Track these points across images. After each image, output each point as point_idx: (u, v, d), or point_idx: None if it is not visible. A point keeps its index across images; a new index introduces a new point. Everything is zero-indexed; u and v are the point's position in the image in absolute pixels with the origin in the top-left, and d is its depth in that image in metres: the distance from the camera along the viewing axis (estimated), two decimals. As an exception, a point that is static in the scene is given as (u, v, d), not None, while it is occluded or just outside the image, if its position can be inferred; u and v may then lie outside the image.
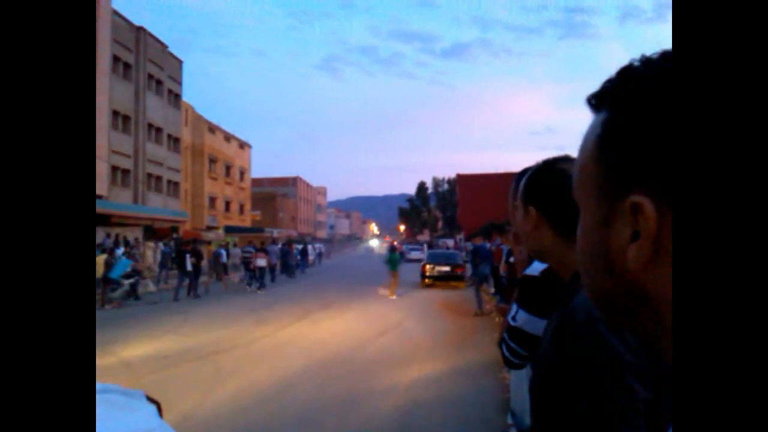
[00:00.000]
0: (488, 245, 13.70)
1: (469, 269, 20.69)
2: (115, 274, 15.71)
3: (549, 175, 1.26)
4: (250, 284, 20.41)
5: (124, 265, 16.07)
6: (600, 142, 0.50)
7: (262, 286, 20.14)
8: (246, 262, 20.95)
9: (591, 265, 0.53)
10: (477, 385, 6.82)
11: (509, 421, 5.23)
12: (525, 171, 1.37)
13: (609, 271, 0.50)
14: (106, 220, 24.50)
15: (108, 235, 20.93)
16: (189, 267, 18.00)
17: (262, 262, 20.37)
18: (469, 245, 24.71)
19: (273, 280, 23.29)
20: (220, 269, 20.97)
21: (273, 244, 26.13)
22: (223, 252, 21.38)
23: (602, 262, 0.51)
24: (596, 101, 0.52)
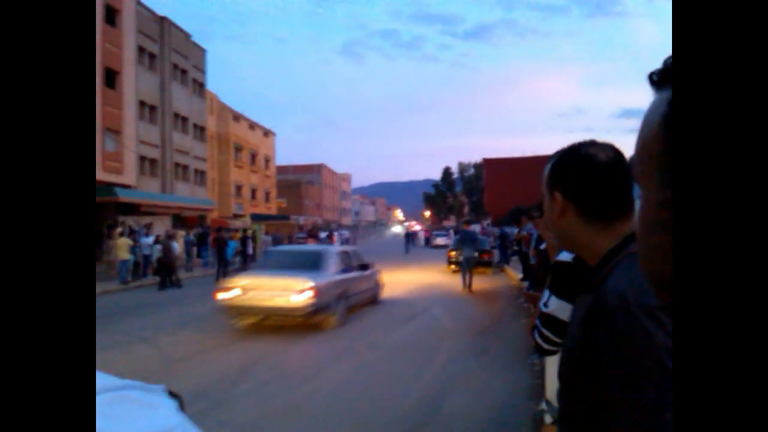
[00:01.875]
0: (516, 230, 13.57)
1: (497, 255, 20.43)
2: (229, 254, 19.20)
3: (574, 159, 1.23)
4: None
5: (233, 247, 19.56)
6: (666, 121, 0.48)
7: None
8: None
9: (648, 248, 0.53)
10: (506, 371, 6.69)
11: (544, 407, 5.10)
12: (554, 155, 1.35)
13: (667, 255, 0.48)
14: (135, 209, 24.88)
15: (146, 226, 21.09)
16: (232, 254, 20.00)
17: None
18: (496, 230, 24.42)
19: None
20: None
21: (300, 232, 26.82)
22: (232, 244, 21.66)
23: (661, 245, 0.50)
24: (660, 78, 0.50)
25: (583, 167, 1.18)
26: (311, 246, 15.77)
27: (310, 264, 10.11)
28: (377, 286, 12.70)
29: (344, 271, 10.66)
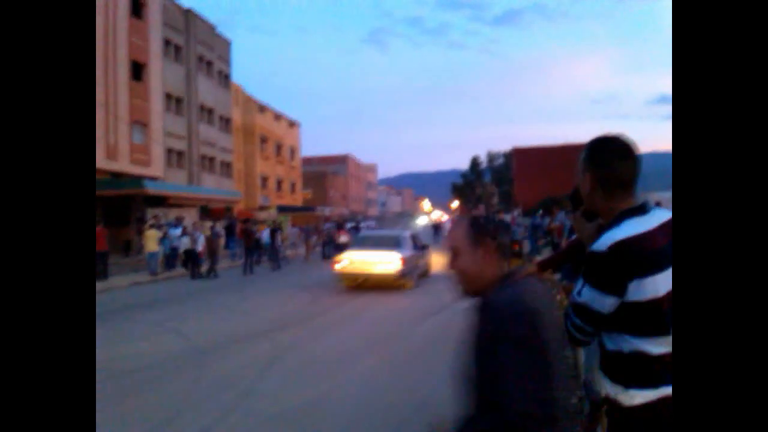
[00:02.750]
0: (547, 220, 13.15)
1: (527, 245, 19.94)
2: (267, 243, 20.80)
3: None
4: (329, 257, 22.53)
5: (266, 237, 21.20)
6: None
7: (326, 256, 22.96)
8: (330, 238, 24.41)
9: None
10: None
11: (581, 393, 4.72)
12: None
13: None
14: (163, 201, 25.04)
15: (177, 219, 21.19)
16: (276, 243, 20.74)
17: (344, 238, 22.99)
18: (527, 221, 23.88)
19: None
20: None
21: (327, 223, 27.12)
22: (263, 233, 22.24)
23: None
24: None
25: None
26: (392, 230, 19.58)
27: (393, 243, 13.62)
28: (428, 263, 15.69)
29: (414, 248, 14.05)
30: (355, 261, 13.23)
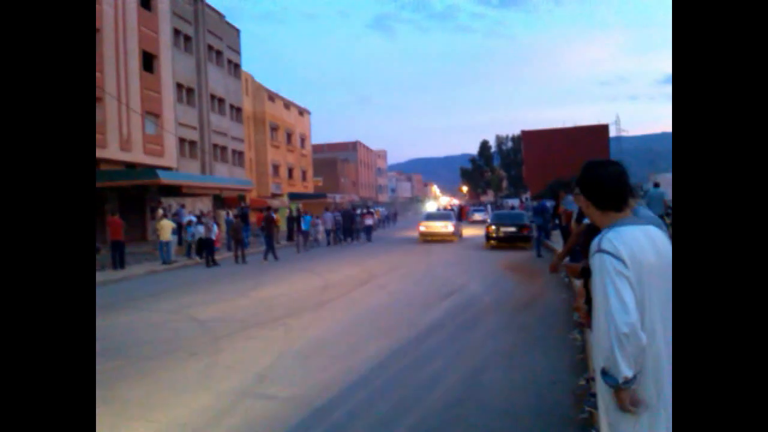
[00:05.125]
0: (553, 204, 13.21)
1: (535, 229, 20.05)
2: (306, 227, 23.34)
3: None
4: (349, 239, 27.80)
5: (308, 221, 23.68)
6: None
7: (369, 239, 27.68)
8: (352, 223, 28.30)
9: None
10: (546, 346, 6.57)
11: (583, 382, 4.98)
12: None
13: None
14: (177, 190, 25.43)
15: (182, 206, 21.79)
16: (305, 228, 23.10)
17: (369, 221, 28.68)
18: (535, 204, 23.97)
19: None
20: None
21: (335, 211, 28.67)
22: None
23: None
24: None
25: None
26: (444, 211, 34.07)
27: (447, 217, 26.41)
28: (461, 229, 27.75)
29: (455, 220, 26.72)
30: (429, 226, 24.98)
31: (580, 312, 3.18)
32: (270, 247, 19.18)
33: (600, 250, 2.03)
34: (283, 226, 26.77)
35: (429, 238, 24.61)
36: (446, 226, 24.55)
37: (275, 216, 21.46)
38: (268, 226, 19.48)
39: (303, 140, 51.16)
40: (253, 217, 28.64)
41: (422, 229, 24.84)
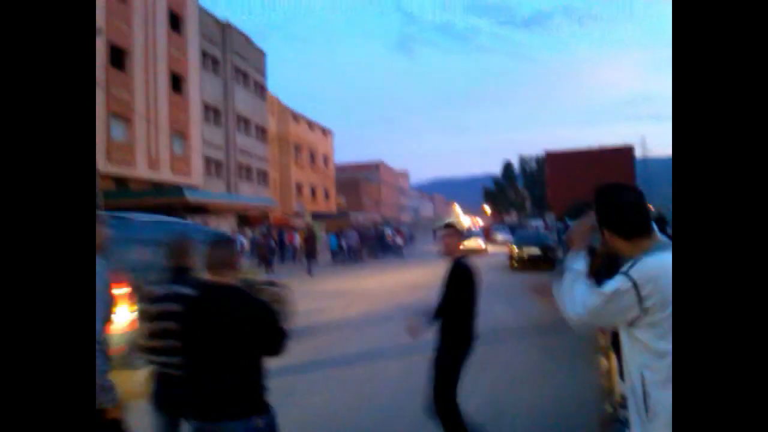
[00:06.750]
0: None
1: (560, 251, 19.81)
2: (333, 246, 28.16)
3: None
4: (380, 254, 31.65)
5: (333, 242, 28.27)
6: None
7: (402, 256, 30.90)
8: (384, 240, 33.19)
9: None
10: (571, 368, 6.43)
11: (609, 408, 4.84)
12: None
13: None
14: (203, 209, 25.81)
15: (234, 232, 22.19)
16: (342, 246, 27.26)
17: (400, 240, 33.09)
18: (559, 225, 23.71)
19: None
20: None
21: (364, 230, 31.00)
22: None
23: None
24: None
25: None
26: (475, 230, 40.24)
27: (477, 235, 34.90)
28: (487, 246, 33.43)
29: (483, 237, 35.71)
30: (464, 242, 23.61)
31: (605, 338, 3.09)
32: (311, 262, 21.69)
33: (627, 275, 1.85)
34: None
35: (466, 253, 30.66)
36: (478, 242, 31.41)
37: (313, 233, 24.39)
38: (309, 244, 22.21)
39: (326, 160, 51.63)
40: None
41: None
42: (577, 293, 1.98)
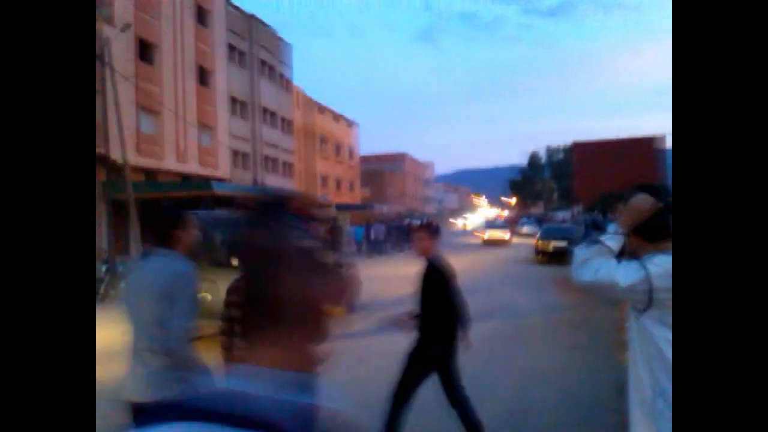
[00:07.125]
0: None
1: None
2: (358, 237, 27.90)
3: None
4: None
5: (359, 233, 28.52)
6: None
7: None
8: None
9: None
10: (594, 365, 6.40)
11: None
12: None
13: None
14: (230, 201, 26.16)
15: None
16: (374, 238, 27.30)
17: None
18: (587, 217, 23.38)
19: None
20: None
21: (378, 223, 29.71)
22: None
23: None
24: None
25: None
26: (500, 221, 45.12)
27: (503, 227, 37.01)
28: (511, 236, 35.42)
29: (508, 228, 37.25)
30: (491, 233, 33.76)
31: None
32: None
33: (643, 264, 1.92)
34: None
35: (490, 243, 32.71)
36: (504, 233, 34.07)
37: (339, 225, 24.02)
38: (335, 236, 21.67)
39: (351, 152, 51.78)
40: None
41: (486, 236, 33.88)
42: (595, 262, 2.05)
